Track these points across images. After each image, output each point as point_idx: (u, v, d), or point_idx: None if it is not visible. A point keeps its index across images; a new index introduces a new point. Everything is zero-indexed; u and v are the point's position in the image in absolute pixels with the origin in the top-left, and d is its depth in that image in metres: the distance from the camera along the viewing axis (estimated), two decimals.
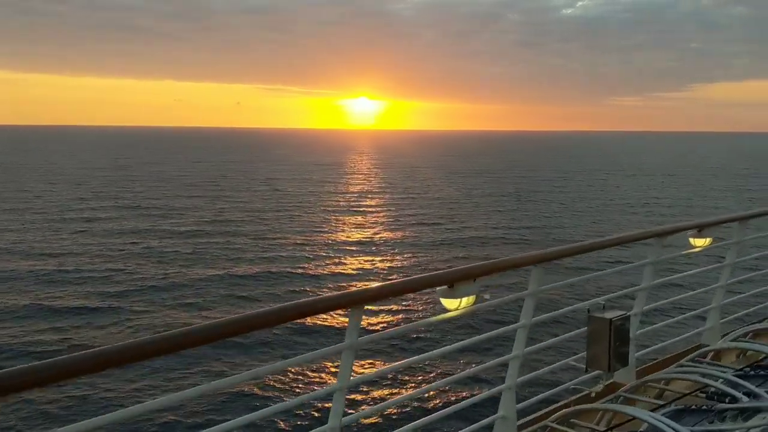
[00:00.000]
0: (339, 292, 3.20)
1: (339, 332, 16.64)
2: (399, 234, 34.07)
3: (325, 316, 17.70)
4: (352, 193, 56.42)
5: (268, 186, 60.50)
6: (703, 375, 4.61)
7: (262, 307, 2.81)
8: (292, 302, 2.84)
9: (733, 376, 4.59)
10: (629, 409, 4.15)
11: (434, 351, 4.20)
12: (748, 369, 4.88)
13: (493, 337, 4.01)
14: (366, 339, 3.25)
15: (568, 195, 54.29)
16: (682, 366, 5.09)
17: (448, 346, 4.04)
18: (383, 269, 25.61)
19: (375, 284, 4.10)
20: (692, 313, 5.85)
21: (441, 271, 3.49)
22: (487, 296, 3.76)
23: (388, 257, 28.02)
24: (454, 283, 3.40)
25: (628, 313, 4.46)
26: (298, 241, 31.28)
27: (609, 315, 4.15)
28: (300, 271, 24.99)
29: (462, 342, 4.13)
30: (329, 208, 44.39)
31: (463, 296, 3.40)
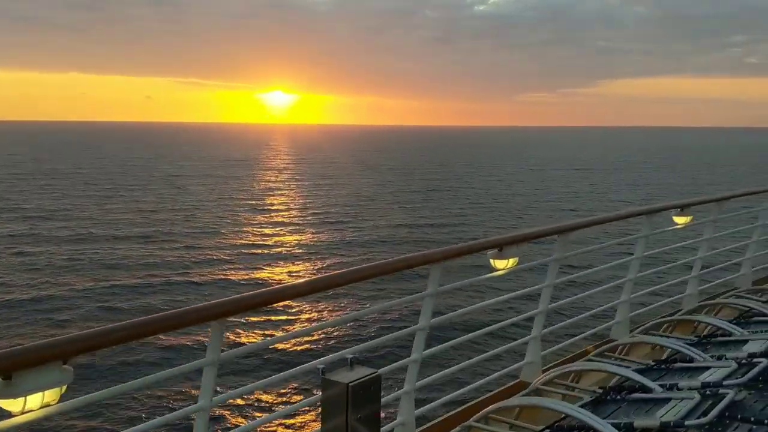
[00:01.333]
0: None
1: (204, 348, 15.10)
2: (297, 235, 32.74)
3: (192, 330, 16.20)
4: (257, 190, 54.53)
5: (168, 184, 57.64)
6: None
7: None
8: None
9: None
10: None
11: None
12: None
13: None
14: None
15: (474, 190, 54.37)
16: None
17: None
18: (250, 279, 23.76)
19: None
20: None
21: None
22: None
23: (274, 262, 26.63)
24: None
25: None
26: (188, 245, 29.43)
27: (349, 377, 2.99)
28: (180, 279, 23.19)
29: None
30: (230, 208, 42.46)
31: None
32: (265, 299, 3.04)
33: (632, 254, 5.90)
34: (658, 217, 5.92)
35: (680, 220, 6.15)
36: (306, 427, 11.96)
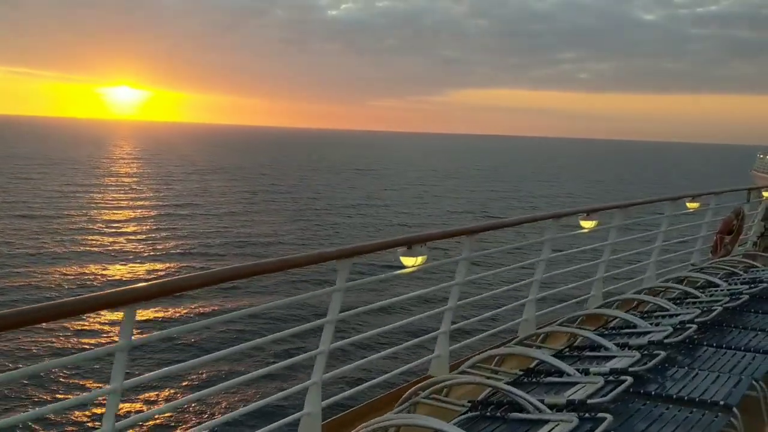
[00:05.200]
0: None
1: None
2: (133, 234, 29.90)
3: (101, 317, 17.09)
4: (79, 194, 49.85)
5: None
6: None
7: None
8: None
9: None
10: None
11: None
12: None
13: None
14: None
15: (306, 195, 53.37)
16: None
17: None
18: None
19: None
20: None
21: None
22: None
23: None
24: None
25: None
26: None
27: None
28: None
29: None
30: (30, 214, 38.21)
31: None
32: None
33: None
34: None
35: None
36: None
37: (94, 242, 29.46)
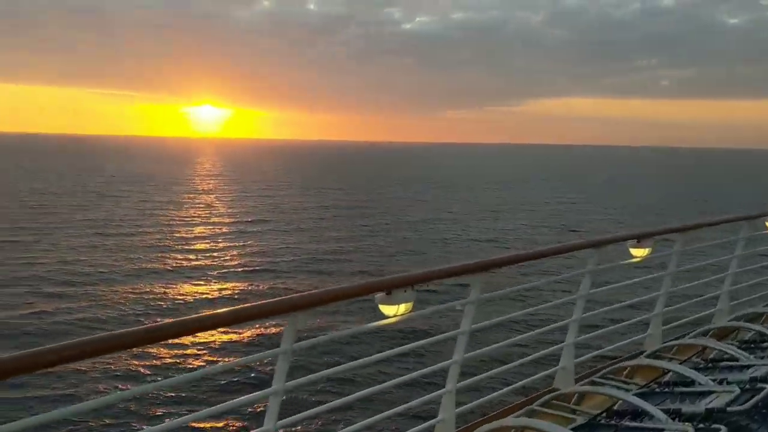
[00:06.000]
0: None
1: (276, 338, 15.58)
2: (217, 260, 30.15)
3: (263, 324, 18.32)
4: (171, 210, 51.15)
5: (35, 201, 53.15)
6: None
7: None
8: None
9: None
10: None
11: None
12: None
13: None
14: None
15: (378, 210, 52.73)
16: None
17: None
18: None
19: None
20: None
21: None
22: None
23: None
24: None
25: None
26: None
27: None
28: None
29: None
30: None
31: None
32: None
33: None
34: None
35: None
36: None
37: (168, 259, 29.75)
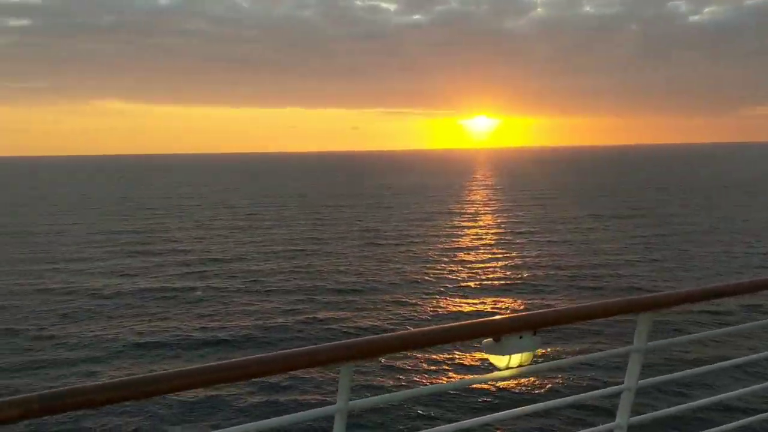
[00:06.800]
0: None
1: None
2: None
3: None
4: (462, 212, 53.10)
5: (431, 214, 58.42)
6: None
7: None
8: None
9: None
10: None
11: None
12: None
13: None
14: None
15: (661, 218, 48.06)
16: None
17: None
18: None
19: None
20: None
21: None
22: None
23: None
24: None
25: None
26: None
27: None
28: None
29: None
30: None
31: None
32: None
33: None
34: None
35: None
36: None
37: (427, 270, 30.36)
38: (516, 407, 3.16)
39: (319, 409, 2.87)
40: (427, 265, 31.62)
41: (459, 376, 16.21)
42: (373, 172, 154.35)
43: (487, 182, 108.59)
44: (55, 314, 23.34)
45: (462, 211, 59.94)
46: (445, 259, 33.71)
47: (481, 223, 49.71)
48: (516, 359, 2.82)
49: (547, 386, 15.33)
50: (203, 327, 21.16)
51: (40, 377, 16.81)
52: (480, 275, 29.19)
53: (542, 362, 14.06)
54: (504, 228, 46.29)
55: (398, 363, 17.02)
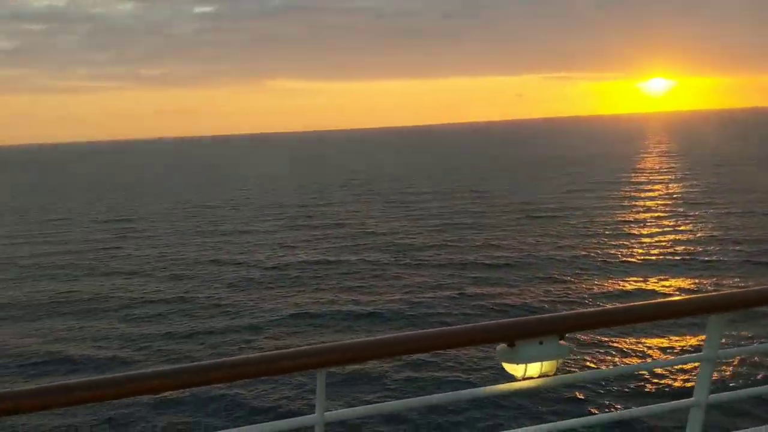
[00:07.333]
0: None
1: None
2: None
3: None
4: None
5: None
6: None
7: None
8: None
9: None
10: None
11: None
12: None
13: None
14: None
15: None
16: None
17: None
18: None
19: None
20: None
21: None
22: None
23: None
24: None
25: None
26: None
27: None
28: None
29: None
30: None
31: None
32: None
33: None
34: None
35: None
36: None
37: (586, 244, 28.86)
38: (540, 424, 2.70)
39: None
40: (586, 240, 30.05)
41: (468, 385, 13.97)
42: (536, 141, 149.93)
43: (661, 149, 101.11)
44: (223, 283, 25.15)
45: (629, 180, 56.30)
46: (607, 232, 31.85)
47: (650, 194, 46.39)
48: (534, 368, 2.47)
49: (583, 401, 13.21)
50: (353, 300, 21.72)
51: (203, 342, 18.22)
52: (645, 250, 27.23)
53: (578, 372, 12.33)
54: (676, 198, 42.89)
55: (377, 369, 15.35)
